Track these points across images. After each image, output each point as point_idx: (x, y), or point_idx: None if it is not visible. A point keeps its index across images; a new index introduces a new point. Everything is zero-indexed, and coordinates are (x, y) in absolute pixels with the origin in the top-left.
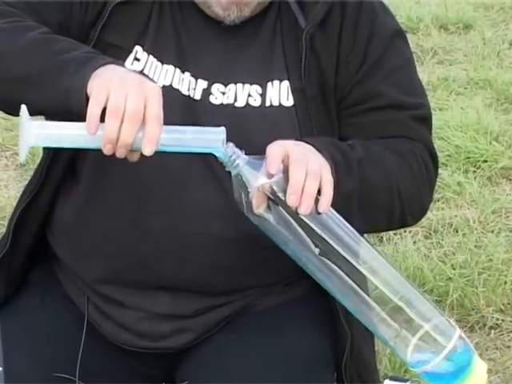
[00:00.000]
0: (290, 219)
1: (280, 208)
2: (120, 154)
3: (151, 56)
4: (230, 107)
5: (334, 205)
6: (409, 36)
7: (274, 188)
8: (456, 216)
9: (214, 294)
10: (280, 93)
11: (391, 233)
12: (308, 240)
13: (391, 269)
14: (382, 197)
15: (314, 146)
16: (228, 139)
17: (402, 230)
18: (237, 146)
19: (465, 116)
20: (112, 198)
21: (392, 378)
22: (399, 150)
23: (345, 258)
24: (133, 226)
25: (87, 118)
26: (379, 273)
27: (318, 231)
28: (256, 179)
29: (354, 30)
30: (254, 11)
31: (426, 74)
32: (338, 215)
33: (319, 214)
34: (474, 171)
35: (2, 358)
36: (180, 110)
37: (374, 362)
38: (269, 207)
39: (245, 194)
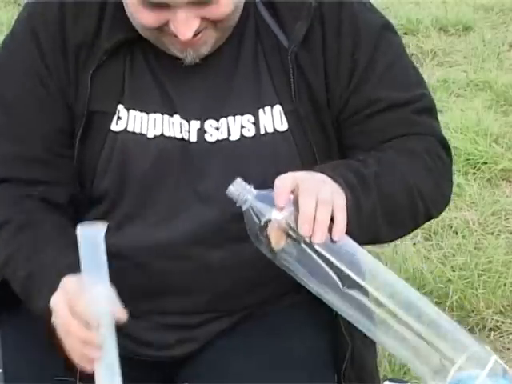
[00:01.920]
0: (310, 252)
1: (297, 242)
2: None
3: (133, 111)
4: (225, 142)
5: (361, 226)
6: (408, 38)
7: (287, 221)
8: (456, 218)
9: (219, 310)
10: (273, 118)
11: None
12: (331, 273)
13: (423, 301)
14: (404, 204)
15: (325, 173)
16: (228, 175)
17: None
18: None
19: (464, 118)
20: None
21: (392, 380)
22: (410, 150)
23: (367, 291)
24: (137, 266)
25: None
26: (412, 306)
27: (336, 262)
28: (267, 213)
29: (337, 41)
30: (214, 47)
31: (425, 75)
32: (355, 244)
33: (334, 242)
34: (474, 173)
35: (2, 360)
36: (177, 155)
37: (375, 365)
38: (287, 243)
39: (259, 231)
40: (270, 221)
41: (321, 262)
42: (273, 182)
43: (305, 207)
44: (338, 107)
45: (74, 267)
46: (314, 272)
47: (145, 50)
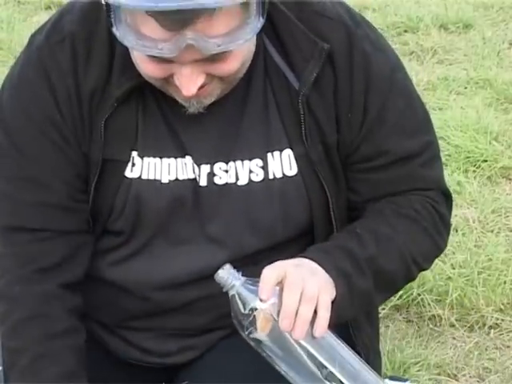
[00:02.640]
0: (292, 343)
1: (280, 333)
2: None
3: (147, 158)
4: (233, 186)
5: (354, 307)
6: (409, 35)
7: (271, 311)
8: (456, 215)
9: (221, 326)
10: (282, 163)
11: None
12: (311, 365)
13: None
14: (399, 275)
15: (317, 261)
16: (237, 217)
17: None
18: (245, 227)
19: (465, 116)
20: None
21: (392, 378)
22: (408, 215)
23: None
24: (139, 297)
25: None
26: None
27: (318, 356)
28: (252, 301)
29: (349, 86)
30: (219, 96)
31: (425, 73)
32: (337, 339)
33: (315, 337)
34: (474, 171)
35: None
36: (189, 196)
37: (379, 362)
38: (271, 331)
39: (243, 317)
40: (254, 309)
41: (302, 353)
42: (282, 225)
43: (287, 302)
44: (348, 151)
45: None
46: (295, 362)
47: (156, 96)
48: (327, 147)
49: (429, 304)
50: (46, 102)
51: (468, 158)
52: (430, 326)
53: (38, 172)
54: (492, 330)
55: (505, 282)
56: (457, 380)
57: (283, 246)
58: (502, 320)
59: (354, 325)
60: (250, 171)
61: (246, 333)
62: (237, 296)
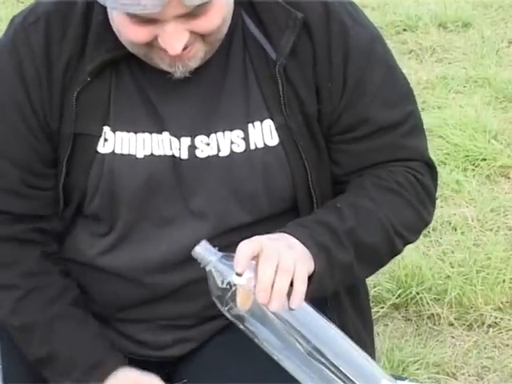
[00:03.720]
0: (272, 318)
1: (259, 308)
2: None
3: (119, 132)
4: (215, 158)
5: (335, 280)
6: (408, 34)
7: (247, 288)
8: (455, 214)
9: (214, 315)
10: (263, 133)
11: None
12: (292, 340)
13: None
14: (381, 247)
15: (295, 235)
16: (220, 190)
17: None
18: (228, 199)
19: (463, 114)
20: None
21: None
22: (391, 188)
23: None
24: (130, 281)
25: None
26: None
27: (297, 329)
28: (228, 276)
29: (327, 56)
30: (203, 60)
31: (424, 72)
32: (318, 313)
33: (292, 309)
34: (473, 169)
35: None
36: (168, 173)
37: (372, 358)
38: (251, 306)
39: (220, 292)
40: (233, 284)
41: (283, 327)
42: (266, 198)
43: (262, 274)
44: (329, 122)
45: None
46: (277, 339)
47: (131, 68)
48: (307, 117)
49: (428, 303)
50: (13, 86)
51: (467, 156)
52: (429, 324)
53: None
54: (491, 329)
55: (504, 281)
56: (455, 379)
57: (269, 221)
58: (501, 319)
59: (335, 305)
60: (232, 142)
61: (226, 309)
62: (213, 271)
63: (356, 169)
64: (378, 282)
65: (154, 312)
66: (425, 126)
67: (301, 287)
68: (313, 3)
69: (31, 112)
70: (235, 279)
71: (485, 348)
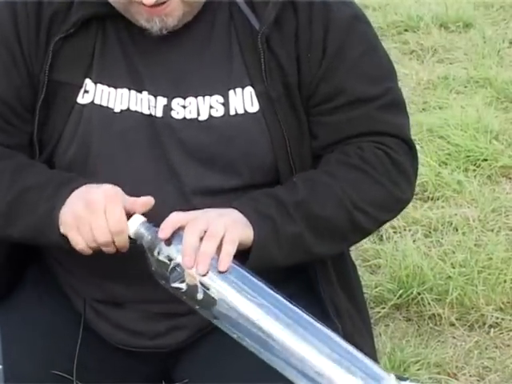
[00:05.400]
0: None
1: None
2: None
3: (100, 85)
4: (194, 122)
5: (283, 249)
6: (409, 34)
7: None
8: (456, 215)
9: None
10: (244, 99)
11: (391, 231)
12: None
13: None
14: (339, 221)
15: (237, 209)
16: (196, 153)
17: (402, 228)
18: (206, 162)
19: (465, 114)
20: None
21: None
22: (355, 163)
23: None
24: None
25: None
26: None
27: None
28: (159, 247)
29: (308, 27)
30: (181, 20)
31: (426, 72)
32: (259, 279)
33: (222, 272)
34: (474, 170)
35: (2, 356)
36: (142, 130)
37: (374, 357)
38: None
39: (157, 265)
40: (166, 256)
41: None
42: (246, 164)
43: (186, 240)
44: (308, 93)
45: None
46: (221, 311)
47: (117, 26)
48: (288, 86)
49: (429, 303)
50: (5, 28)
51: (468, 156)
52: (430, 325)
53: None
54: (492, 329)
55: (505, 281)
56: (457, 379)
57: (250, 190)
58: (502, 319)
59: (323, 279)
60: (211, 107)
61: (168, 284)
62: (145, 244)
63: (331, 142)
64: (379, 283)
65: (142, 293)
66: (425, 127)
67: (227, 249)
68: None
69: (20, 54)
70: (165, 249)
71: (486, 348)
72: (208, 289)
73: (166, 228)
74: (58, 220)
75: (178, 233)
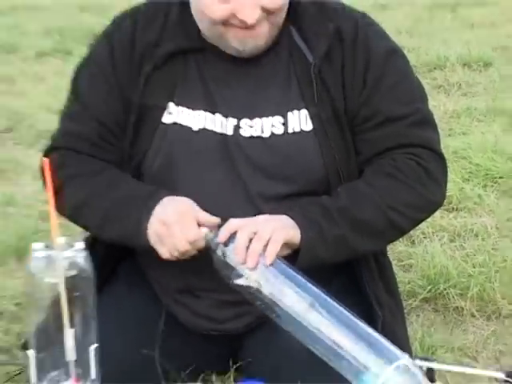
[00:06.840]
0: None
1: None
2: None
3: (181, 107)
4: (258, 139)
5: (330, 250)
6: (437, 72)
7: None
8: (476, 223)
9: None
10: (300, 120)
11: (421, 236)
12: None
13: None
14: (378, 222)
15: (288, 215)
16: (261, 166)
17: (431, 234)
18: (268, 174)
19: (484, 139)
20: None
21: (422, 358)
22: (389, 172)
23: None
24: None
25: None
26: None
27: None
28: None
29: (352, 61)
30: (267, 43)
31: (451, 103)
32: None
33: (268, 266)
34: (492, 185)
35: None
36: (216, 146)
37: (406, 339)
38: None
39: (223, 266)
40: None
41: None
42: (299, 176)
43: (238, 240)
44: (352, 115)
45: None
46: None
47: (196, 57)
48: (335, 110)
49: (453, 297)
50: (103, 58)
51: (487, 174)
52: (454, 315)
53: (86, 105)
54: (506, 319)
55: None
56: (476, 361)
57: (304, 196)
58: None
59: (367, 275)
60: (272, 125)
61: (226, 278)
62: (216, 249)
63: (371, 155)
64: (411, 279)
65: (213, 284)
66: (451, 150)
67: (272, 247)
68: (347, 20)
69: (115, 83)
70: (223, 250)
71: (501, 336)
72: (258, 282)
73: (224, 232)
74: (145, 229)
75: (234, 236)
